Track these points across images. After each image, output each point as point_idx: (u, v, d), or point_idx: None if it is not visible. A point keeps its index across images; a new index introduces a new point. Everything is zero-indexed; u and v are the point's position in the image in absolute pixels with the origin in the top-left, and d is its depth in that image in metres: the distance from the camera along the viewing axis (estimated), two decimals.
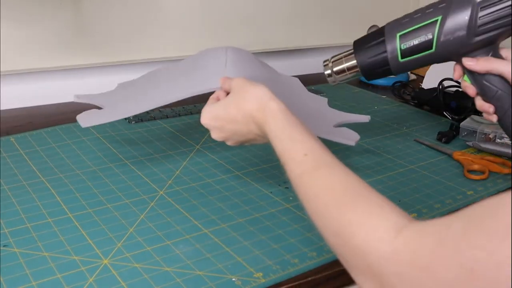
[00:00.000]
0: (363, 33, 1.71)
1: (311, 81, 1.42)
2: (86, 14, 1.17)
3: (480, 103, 0.73)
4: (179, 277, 0.63)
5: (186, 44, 1.31)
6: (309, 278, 0.65)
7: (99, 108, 0.86)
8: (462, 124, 1.06)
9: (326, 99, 0.97)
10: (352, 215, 0.49)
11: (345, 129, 0.84)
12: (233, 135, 0.69)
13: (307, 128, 0.61)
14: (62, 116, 1.11)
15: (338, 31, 1.52)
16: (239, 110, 0.66)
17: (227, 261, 0.67)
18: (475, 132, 1.04)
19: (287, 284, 0.64)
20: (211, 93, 0.75)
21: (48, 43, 1.15)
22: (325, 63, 0.80)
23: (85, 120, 0.81)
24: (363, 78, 1.45)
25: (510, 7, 0.65)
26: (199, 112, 1.14)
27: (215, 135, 0.71)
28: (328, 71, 0.80)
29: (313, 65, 1.51)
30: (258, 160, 0.95)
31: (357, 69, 0.76)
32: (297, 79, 0.98)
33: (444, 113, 1.18)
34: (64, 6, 1.14)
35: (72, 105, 1.20)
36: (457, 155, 0.97)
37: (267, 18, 1.39)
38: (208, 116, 0.70)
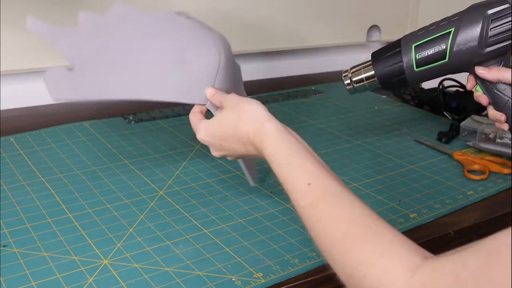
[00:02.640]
0: (363, 33, 1.71)
1: (311, 81, 1.42)
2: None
3: (492, 112, 0.75)
4: (179, 277, 0.63)
5: None
6: (309, 278, 0.65)
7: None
8: (462, 124, 1.06)
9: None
10: (362, 254, 0.47)
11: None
12: (232, 153, 0.68)
13: (308, 149, 0.59)
14: (62, 116, 1.11)
15: (338, 31, 1.52)
16: (236, 131, 0.64)
17: (227, 261, 0.67)
18: (475, 132, 1.04)
19: (287, 284, 0.64)
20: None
21: (48, 43, 1.15)
22: (345, 74, 0.83)
23: (55, 89, 0.71)
24: None
25: None
26: None
27: (214, 153, 0.70)
28: (348, 81, 0.82)
29: (313, 65, 1.51)
30: (258, 160, 0.95)
31: (375, 78, 0.79)
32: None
33: (444, 113, 1.18)
34: (64, 6, 1.14)
35: (72, 105, 1.20)
36: (457, 155, 0.97)
37: (267, 18, 1.39)
38: (205, 133, 0.69)
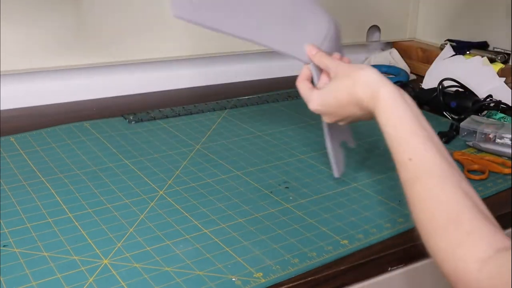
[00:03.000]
0: (363, 33, 1.71)
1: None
2: (86, 14, 1.17)
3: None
4: (179, 277, 0.63)
5: (186, 44, 1.31)
6: (309, 278, 0.65)
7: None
8: (462, 124, 1.06)
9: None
10: (442, 242, 0.50)
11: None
12: (346, 118, 0.70)
13: (418, 120, 0.59)
14: (62, 116, 1.11)
15: None
16: (351, 97, 0.65)
17: (227, 261, 0.67)
18: (475, 132, 1.04)
19: (287, 284, 0.64)
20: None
21: (48, 43, 1.15)
22: None
23: (177, 6, 0.73)
24: None
25: None
26: (199, 112, 1.15)
27: (328, 119, 0.72)
28: None
29: None
30: (258, 160, 0.95)
31: None
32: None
33: (444, 113, 1.18)
34: (64, 6, 1.14)
35: (72, 105, 1.20)
36: (457, 155, 0.97)
37: None
38: (319, 102, 0.70)
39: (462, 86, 1.21)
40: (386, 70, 1.49)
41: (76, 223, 0.74)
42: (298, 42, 0.75)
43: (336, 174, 0.81)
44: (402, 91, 0.63)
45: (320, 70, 0.74)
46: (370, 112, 0.64)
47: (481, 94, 1.22)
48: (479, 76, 1.28)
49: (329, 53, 0.74)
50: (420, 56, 1.53)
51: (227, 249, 0.69)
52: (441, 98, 1.18)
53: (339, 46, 0.80)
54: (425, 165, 0.55)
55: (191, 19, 0.75)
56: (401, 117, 0.59)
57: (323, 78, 0.74)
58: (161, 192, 0.83)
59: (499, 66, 1.33)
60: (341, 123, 0.72)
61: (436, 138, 0.58)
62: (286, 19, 0.77)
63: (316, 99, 0.71)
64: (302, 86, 0.73)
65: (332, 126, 0.79)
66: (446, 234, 0.50)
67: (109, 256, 0.67)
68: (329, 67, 0.70)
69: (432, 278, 0.77)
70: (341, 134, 0.83)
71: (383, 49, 1.64)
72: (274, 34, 0.76)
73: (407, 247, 0.72)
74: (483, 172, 0.92)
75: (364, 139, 1.05)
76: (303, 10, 0.78)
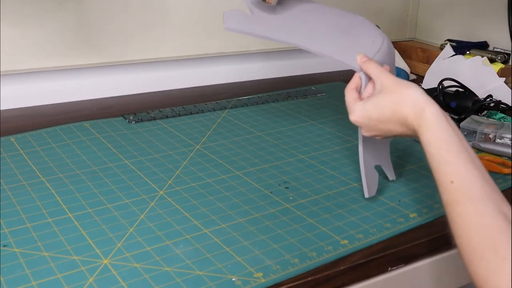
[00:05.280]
0: None
1: (311, 81, 1.42)
2: (86, 14, 1.17)
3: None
4: (179, 277, 0.63)
5: (186, 44, 1.31)
6: (309, 278, 0.65)
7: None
8: (462, 124, 1.06)
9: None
10: (479, 268, 0.50)
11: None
12: (385, 133, 0.70)
13: (462, 143, 0.59)
14: (62, 116, 1.11)
15: None
16: (394, 113, 0.66)
17: (227, 261, 0.67)
18: (475, 132, 1.04)
19: (287, 284, 0.64)
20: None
21: (48, 43, 1.15)
22: None
23: (230, 19, 0.78)
24: None
25: None
26: (199, 112, 1.15)
27: (366, 132, 0.72)
28: None
29: (313, 65, 1.51)
30: (258, 160, 0.95)
31: None
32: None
33: None
34: (64, 7, 1.14)
35: (72, 105, 1.20)
36: None
37: None
38: (360, 114, 0.70)
39: (462, 86, 1.21)
40: None
41: (76, 223, 0.74)
42: (350, 50, 0.76)
43: (366, 194, 0.81)
44: (446, 113, 0.63)
45: (369, 79, 0.74)
46: (413, 130, 0.64)
47: (481, 94, 1.22)
48: (479, 76, 1.28)
49: (380, 64, 0.75)
50: (420, 56, 1.53)
51: (227, 249, 0.69)
52: (441, 98, 1.18)
53: (391, 63, 0.81)
54: (466, 188, 0.55)
55: (244, 31, 0.79)
56: (445, 139, 0.60)
57: (369, 87, 0.74)
58: (161, 192, 0.83)
59: (499, 66, 1.33)
60: (378, 138, 0.73)
61: (478, 160, 0.58)
62: (339, 31, 0.79)
63: (358, 110, 0.71)
64: (349, 95, 0.73)
65: (368, 147, 0.79)
66: (484, 261, 0.50)
67: (109, 256, 0.67)
68: (376, 76, 0.71)
69: (432, 278, 0.77)
70: (378, 156, 0.84)
71: None
72: (327, 42, 0.78)
73: (407, 247, 0.72)
74: None
75: None
76: (357, 25, 0.81)
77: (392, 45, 0.81)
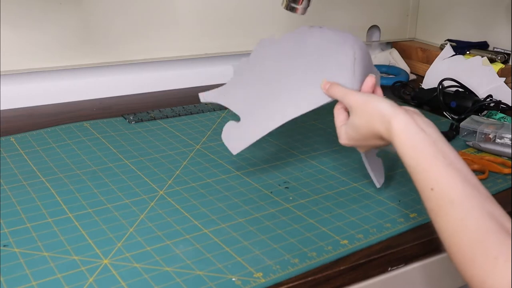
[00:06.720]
0: (363, 33, 1.71)
1: None
2: (86, 14, 1.17)
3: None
4: (179, 277, 0.63)
5: (186, 44, 1.31)
6: (309, 278, 0.65)
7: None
8: (462, 124, 1.07)
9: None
10: (473, 270, 0.49)
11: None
12: (374, 147, 0.72)
13: (436, 146, 0.58)
14: (62, 116, 1.11)
15: None
16: (370, 131, 0.67)
17: (227, 261, 0.67)
18: (475, 132, 1.04)
19: (287, 284, 0.64)
20: None
21: (48, 43, 1.15)
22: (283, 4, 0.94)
23: (233, 144, 0.81)
24: None
25: None
26: (199, 112, 1.15)
27: (360, 150, 0.75)
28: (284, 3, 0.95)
29: None
30: (258, 160, 0.95)
31: None
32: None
33: (444, 113, 1.18)
34: (64, 7, 1.14)
35: (72, 105, 1.20)
36: None
37: (267, 18, 1.39)
38: (346, 137, 0.72)
39: (462, 86, 1.21)
40: (386, 70, 1.49)
41: (76, 223, 0.74)
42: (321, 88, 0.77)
43: (377, 185, 0.83)
44: (416, 115, 0.63)
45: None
46: (390, 142, 0.65)
47: (481, 94, 1.22)
48: (479, 76, 1.28)
49: (365, 75, 0.75)
50: (420, 56, 1.53)
51: (227, 249, 0.69)
52: (441, 98, 1.18)
53: (369, 65, 0.81)
54: (446, 193, 0.54)
55: (218, 102, 0.84)
56: (417, 146, 0.59)
57: (341, 113, 0.74)
58: (161, 192, 0.83)
59: (499, 66, 1.33)
60: (375, 149, 0.76)
61: (456, 160, 0.57)
62: (311, 72, 0.78)
63: (343, 134, 0.73)
64: (336, 117, 0.75)
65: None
66: (476, 264, 0.49)
67: (109, 256, 0.67)
68: (343, 99, 0.72)
69: (432, 278, 0.77)
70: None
71: (383, 49, 1.64)
72: (299, 99, 0.78)
73: (407, 247, 0.72)
74: (483, 172, 0.92)
75: None
76: (327, 49, 0.79)
77: (364, 45, 0.80)
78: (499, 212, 0.53)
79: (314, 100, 0.77)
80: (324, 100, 0.76)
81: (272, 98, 0.80)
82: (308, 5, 0.97)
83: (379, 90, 0.77)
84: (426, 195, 0.56)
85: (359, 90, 0.75)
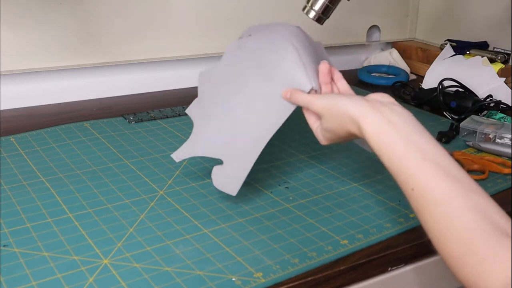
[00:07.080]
0: (363, 33, 1.71)
1: None
2: (86, 14, 1.17)
3: None
4: (179, 277, 0.63)
5: (186, 44, 1.31)
6: (309, 278, 0.65)
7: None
8: (462, 124, 1.07)
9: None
10: (463, 272, 0.49)
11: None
12: (356, 138, 0.70)
13: (409, 141, 0.56)
14: (62, 116, 1.11)
15: (338, 31, 1.52)
16: (344, 131, 0.66)
17: (227, 261, 0.67)
18: (475, 132, 1.04)
19: (287, 284, 0.64)
20: None
21: (48, 43, 1.15)
22: (305, 10, 0.94)
23: (226, 187, 0.77)
24: (362, 78, 1.46)
25: None
26: None
27: (345, 142, 0.73)
28: (312, 14, 0.92)
29: None
30: (258, 160, 0.95)
31: None
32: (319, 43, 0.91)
33: (444, 113, 1.18)
34: (64, 7, 1.14)
35: (72, 105, 1.20)
36: (457, 155, 0.97)
37: (266, 18, 1.39)
38: (324, 139, 0.72)
39: (462, 86, 1.21)
40: (386, 70, 1.49)
41: (76, 223, 0.74)
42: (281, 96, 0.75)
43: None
44: (384, 108, 0.61)
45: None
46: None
47: (481, 94, 1.22)
48: (479, 76, 1.28)
49: (315, 60, 0.74)
50: (420, 56, 1.53)
51: (227, 249, 0.69)
52: (441, 98, 1.18)
53: (311, 44, 0.80)
54: (427, 193, 0.53)
55: (194, 156, 0.82)
56: (389, 144, 0.57)
57: (310, 114, 0.73)
58: (161, 192, 0.83)
59: (499, 66, 1.33)
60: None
61: (433, 151, 0.55)
62: (268, 88, 0.76)
63: (321, 136, 0.72)
64: (309, 121, 0.74)
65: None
66: (466, 267, 0.49)
67: (109, 256, 0.67)
68: (307, 106, 0.71)
69: (432, 278, 0.77)
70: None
71: (383, 49, 1.64)
72: (261, 123, 0.78)
73: (407, 247, 0.72)
74: (483, 172, 0.92)
75: None
76: (269, 60, 0.77)
77: (294, 28, 0.80)
78: (484, 202, 0.51)
79: (283, 111, 0.75)
80: (292, 106, 0.75)
81: (243, 127, 0.78)
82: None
83: (337, 73, 0.75)
84: (409, 196, 0.55)
85: (318, 81, 0.73)
